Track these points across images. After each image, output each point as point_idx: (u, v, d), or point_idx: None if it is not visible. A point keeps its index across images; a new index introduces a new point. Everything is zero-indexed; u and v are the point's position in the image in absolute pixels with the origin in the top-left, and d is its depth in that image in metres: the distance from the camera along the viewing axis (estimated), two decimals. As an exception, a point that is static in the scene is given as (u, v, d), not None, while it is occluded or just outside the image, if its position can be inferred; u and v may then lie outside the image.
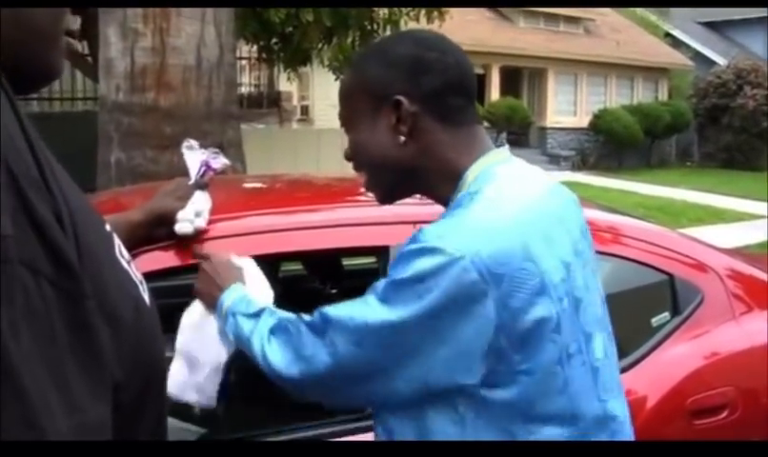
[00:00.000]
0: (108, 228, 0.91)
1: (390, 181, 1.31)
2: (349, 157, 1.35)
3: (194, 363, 1.52)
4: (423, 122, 1.26)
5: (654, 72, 23.01)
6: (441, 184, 1.28)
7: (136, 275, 0.90)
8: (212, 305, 1.49)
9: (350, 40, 9.11)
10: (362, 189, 2.25)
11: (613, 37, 22.47)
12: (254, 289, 1.51)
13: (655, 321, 2.16)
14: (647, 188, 16.03)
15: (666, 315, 2.17)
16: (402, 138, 1.26)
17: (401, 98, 1.25)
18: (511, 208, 1.19)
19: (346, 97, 1.32)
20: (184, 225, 1.63)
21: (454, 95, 1.28)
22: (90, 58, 8.79)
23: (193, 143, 1.68)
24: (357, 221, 1.92)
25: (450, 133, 1.27)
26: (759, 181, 16.32)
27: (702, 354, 2.17)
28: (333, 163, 11.17)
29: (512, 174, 1.27)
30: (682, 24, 26.77)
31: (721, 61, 23.76)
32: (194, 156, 1.67)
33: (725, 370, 2.18)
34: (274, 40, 9.38)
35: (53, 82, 0.94)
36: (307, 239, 1.84)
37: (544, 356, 1.15)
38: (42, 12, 0.82)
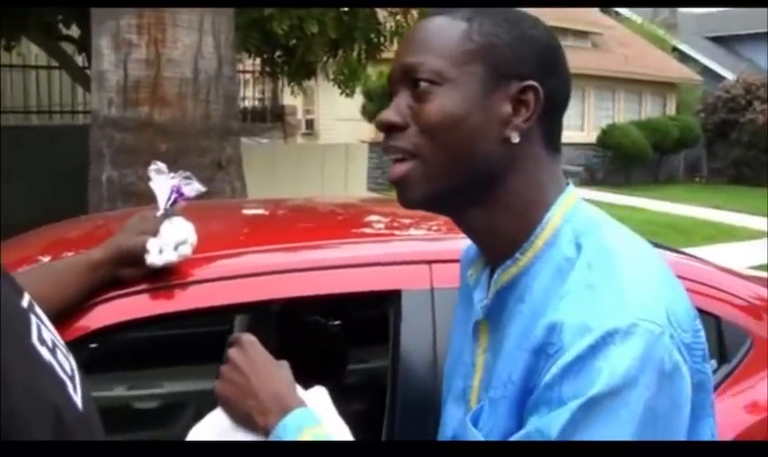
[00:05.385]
0: (24, 303, 0.67)
1: (453, 181, 0.96)
2: (394, 124, 0.97)
3: None
4: (535, 129, 0.97)
5: (662, 87, 22.78)
6: (513, 215, 0.97)
7: (64, 367, 0.66)
8: (249, 426, 1.07)
9: (355, 53, 8.88)
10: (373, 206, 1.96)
11: (620, 51, 22.27)
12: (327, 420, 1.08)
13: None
14: (656, 204, 15.79)
15: (713, 363, 1.92)
16: (514, 134, 0.95)
17: (536, 85, 0.95)
18: (657, 262, 0.95)
19: (448, 50, 0.95)
20: (154, 256, 1.37)
21: (562, 114, 1.02)
22: (89, 71, 8.59)
23: (162, 166, 1.43)
24: (363, 261, 1.65)
25: (547, 156, 1.00)
26: (770, 197, 16.06)
27: (751, 409, 1.92)
28: (336, 180, 10.95)
29: (605, 215, 1.01)
30: (690, 38, 26.63)
31: (729, 76, 23.58)
32: (163, 182, 1.42)
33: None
34: (278, 53, 9.16)
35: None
36: (302, 283, 1.56)
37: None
38: None
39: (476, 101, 0.95)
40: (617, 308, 0.85)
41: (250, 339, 1.13)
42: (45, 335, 0.65)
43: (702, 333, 0.93)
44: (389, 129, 0.98)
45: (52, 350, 0.65)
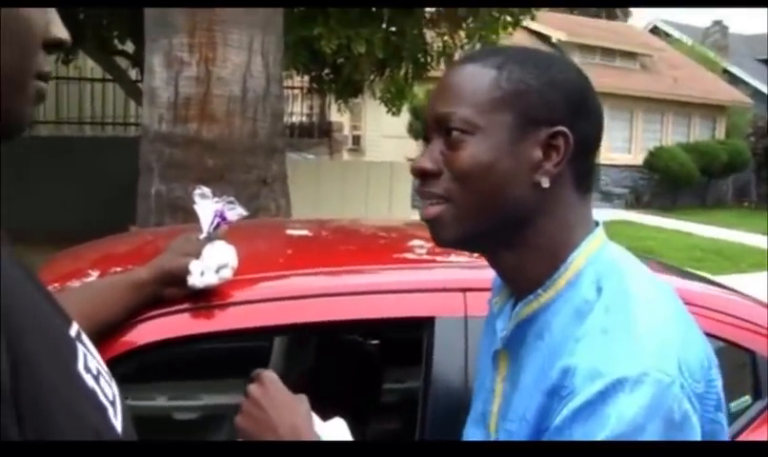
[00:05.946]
0: (72, 332, 0.72)
1: (484, 224, 0.99)
2: (428, 171, 1.00)
3: None
4: (565, 172, 0.99)
5: (711, 110, 22.48)
6: (541, 256, 1.00)
7: (106, 393, 0.72)
8: None
9: (402, 72, 8.95)
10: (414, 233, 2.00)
11: (670, 73, 22.04)
12: None
13: (733, 406, 1.90)
14: (703, 228, 15.54)
15: (747, 399, 1.92)
16: (544, 179, 0.97)
17: (566, 131, 0.97)
18: (676, 309, 0.97)
19: (478, 98, 0.98)
20: (196, 278, 1.43)
21: (593, 155, 1.03)
22: (141, 85, 8.80)
23: (206, 191, 1.49)
24: (399, 287, 1.69)
25: (578, 198, 1.02)
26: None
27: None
28: (381, 198, 11.00)
29: (629, 258, 1.03)
30: (741, 61, 26.26)
31: (781, 100, 23.18)
32: (207, 206, 1.48)
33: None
34: (326, 71, 9.27)
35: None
36: (339, 307, 1.62)
37: None
38: (5, 53, 0.66)
39: (506, 148, 0.97)
40: (630, 356, 0.87)
41: (270, 376, 1.17)
42: (90, 364, 0.70)
43: (718, 383, 0.95)
44: (423, 175, 1.02)
45: (96, 378, 0.70)
